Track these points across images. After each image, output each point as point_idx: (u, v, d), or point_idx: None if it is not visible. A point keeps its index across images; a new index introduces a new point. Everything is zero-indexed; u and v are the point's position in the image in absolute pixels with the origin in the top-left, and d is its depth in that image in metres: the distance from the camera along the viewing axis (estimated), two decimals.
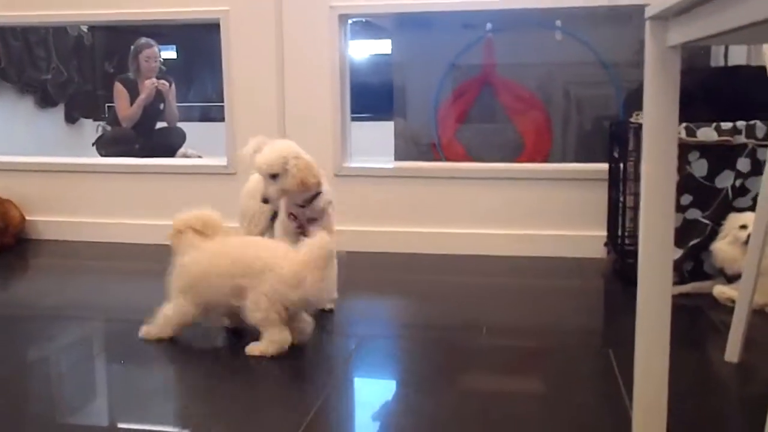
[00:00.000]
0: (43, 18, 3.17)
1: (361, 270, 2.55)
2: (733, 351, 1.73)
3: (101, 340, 2.03)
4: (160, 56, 4.73)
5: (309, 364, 1.81)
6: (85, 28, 5.70)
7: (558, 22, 3.31)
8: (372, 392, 1.69)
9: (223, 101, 3.01)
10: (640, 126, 2.40)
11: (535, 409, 1.52)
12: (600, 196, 2.71)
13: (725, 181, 2.22)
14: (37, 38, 5.30)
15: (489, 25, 3.38)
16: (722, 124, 2.21)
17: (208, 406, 1.57)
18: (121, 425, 1.48)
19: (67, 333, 2.05)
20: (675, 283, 2.23)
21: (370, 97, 4.31)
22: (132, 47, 4.76)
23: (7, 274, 2.75)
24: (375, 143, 3.34)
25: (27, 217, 3.10)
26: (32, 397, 1.63)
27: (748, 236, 2.05)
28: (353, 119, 3.01)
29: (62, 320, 2.14)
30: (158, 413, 1.55)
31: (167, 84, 4.68)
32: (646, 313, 1.27)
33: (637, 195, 2.44)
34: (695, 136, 2.22)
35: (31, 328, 2.10)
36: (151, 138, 4.67)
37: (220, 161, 3.06)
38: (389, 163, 3.07)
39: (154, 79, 4.60)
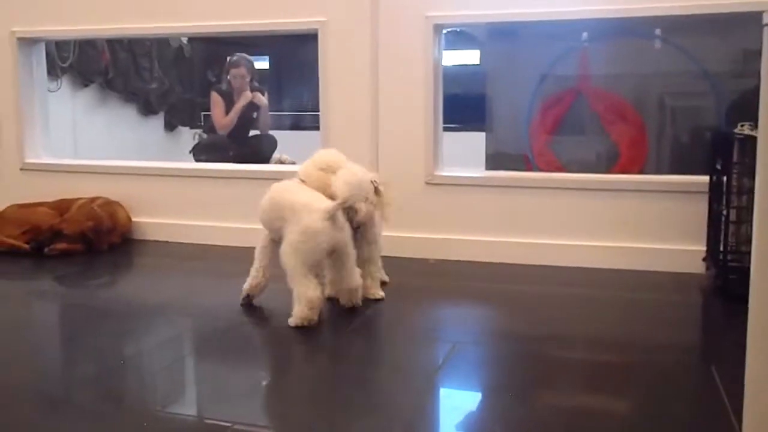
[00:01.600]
0: (146, 30, 3.35)
1: (450, 278, 2.56)
2: None
3: (197, 337, 2.12)
4: (248, 74, 4.89)
5: (402, 369, 1.83)
6: (185, 40, 5.97)
7: (657, 31, 3.23)
8: (464, 399, 1.69)
9: (315, 110, 3.07)
10: (745, 137, 2.31)
11: (630, 426, 1.49)
12: (698, 210, 2.62)
13: None
14: (142, 50, 5.59)
15: (585, 35, 3.33)
16: None
17: (298, 407, 1.61)
18: (214, 421, 1.54)
19: (166, 329, 2.15)
20: None
21: (462, 108, 4.32)
22: (227, 60, 4.98)
23: (113, 271, 2.90)
24: (466, 154, 3.36)
25: (133, 219, 3.27)
26: (128, 390, 1.71)
27: None
28: (444, 129, 3.02)
29: (162, 316, 2.24)
30: (248, 412, 1.60)
31: (262, 97, 4.87)
32: (759, 329, 1.23)
33: (739, 208, 2.35)
34: None
35: (132, 322, 2.21)
36: (244, 145, 4.84)
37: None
38: (480, 172, 3.06)
39: (249, 93, 4.78)
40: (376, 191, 2.21)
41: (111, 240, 3.11)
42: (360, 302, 2.19)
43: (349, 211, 2.14)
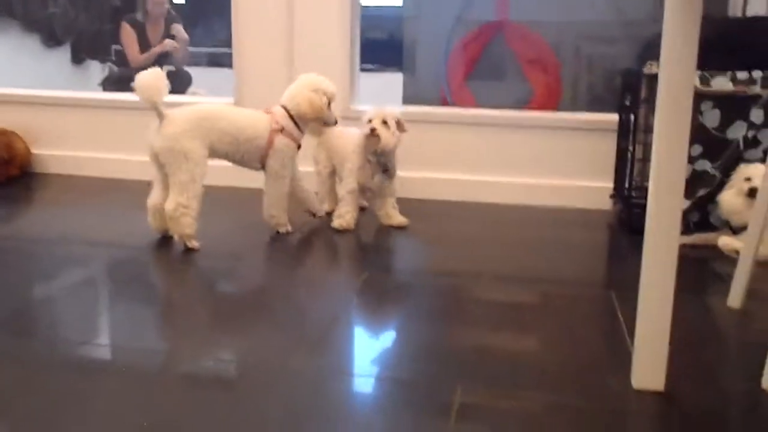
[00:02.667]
0: None
1: (366, 213, 2.54)
2: (735, 297, 1.73)
3: (104, 268, 2.04)
4: (167, 1, 4.67)
5: (319, 290, 1.82)
6: None
7: None
8: (375, 319, 1.69)
9: (230, 47, 2.97)
10: (653, 75, 2.36)
11: (534, 346, 1.52)
12: (608, 147, 2.68)
13: (737, 132, 2.19)
14: None
15: None
16: (738, 73, 2.17)
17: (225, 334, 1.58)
18: (125, 346, 1.49)
19: (69, 262, 2.06)
20: (681, 234, 2.23)
21: (379, 49, 4.26)
22: None
23: (11, 206, 2.75)
24: (383, 95, 3.31)
25: (33, 151, 3.09)
26: (39, 325, 1.64)
27: (750, 189, 2.05)
28: (362, 70, 2.97)
29: (64, 250, 2.15)
30: (160, 336, 1.56)
31: (182, 31, 4.66)
32: (652, 259, 1.27)
33: (646, 145, 2.41)
34: (709, 86, 2.18)
35: (34, 257, 2.11)
36: None
37: (228, 100, 3.03)
38: (395, 107, 3.03)
39: (168, 42, 4.57)
40: (399, 125, 2.33)
41: (8, 172, 2.94)
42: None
43: (371, 138, 2.26)
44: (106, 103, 3.17)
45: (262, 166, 2.26)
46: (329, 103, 2.29)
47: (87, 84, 5.52)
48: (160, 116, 2.09)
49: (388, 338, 1.58)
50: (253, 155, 2.23)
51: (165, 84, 2.07)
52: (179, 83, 4.72)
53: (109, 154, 3.09)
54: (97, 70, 5.60)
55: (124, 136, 3.08)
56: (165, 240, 2.18)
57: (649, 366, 1.29)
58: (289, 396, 1.27)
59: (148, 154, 2.14)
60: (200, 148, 2.11)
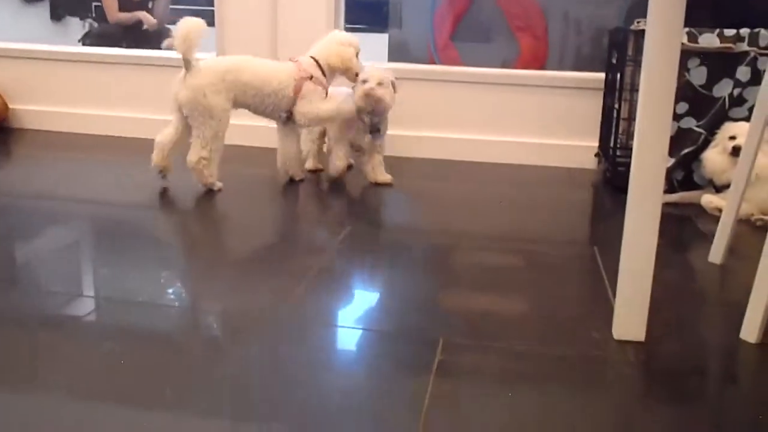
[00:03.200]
0: None
1: (353, 171, 2.52)
2: (716, 254, 1.74)
3: (83, 223, 2.02)
4: None
5: (304, 245, 1.81)
6: None
7: None
8: (358, 273, 1.69)
9: (213, 5, 2.91)
10: (640, 32, 2.34)
11: (518, 301, 1.53)
12: (595, 106, 2.67)
13: (723, 89, 2.19)
14: None
15: None
16: (725, 30, 2.16)
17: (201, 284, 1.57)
18: (108, 298, 1.47)
19: (48, 218, 2.03)
20: (664, 192, 2.24)
21: (365, 8, 4.18)
22: None
23: None
24: (368, 55, 3.26)
25: (10, 106, 3.03)
26: (22, 276, 1.62)
27: (734, 147, 2.05)
28: (347, 30, 2.92)
29: (42, 205, 2.12)
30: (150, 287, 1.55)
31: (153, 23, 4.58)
32: (634, 215, 1.27)
33: (632, 104, 2.39)
34: (697, 42, 2.17)
35: (11, 212, 2.07)
36: (138, 36, 4.55)
37: (209, 55, 2.98)
38: (380, 64, 2.99)
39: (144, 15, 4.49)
40: (394, 86, 2.34)
41: None
42: None
43: (368, 98, 2.27)
44: (86, 57, 3.10)
45: (288, 117, 2.30)
46: (356, 54, 2.35)
47: (66, 41, 5.40)
48: (189, 67, 2.13)
49: (371, 291, 1.58)
50: (279, 105, 2.27)
51: (201, 36, 2.12)
52: (161, 42, 4.63)
53: (87, 109, 3.04)
54: (77, 27, 5.49)
55: (103, 92, 3.03)
56: (146, 195, 2.16)
57: (630, 318, 1.30)
58: (272, 345, 1.26)
59: (172, 102, 2.19)
60: (224, 102, 2.16)
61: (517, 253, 1.84)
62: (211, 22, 2.95)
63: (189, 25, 2.09)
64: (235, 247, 1.87)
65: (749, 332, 1.33)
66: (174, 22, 2.20)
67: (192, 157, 2.15)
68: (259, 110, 2.28)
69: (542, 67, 3.34)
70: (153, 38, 4.61)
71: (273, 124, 2.38)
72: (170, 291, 1.53)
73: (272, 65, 2.30)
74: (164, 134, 2.23)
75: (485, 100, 2.78)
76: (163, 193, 2.23)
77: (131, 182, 2.35)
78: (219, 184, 2.22)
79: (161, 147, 2.23)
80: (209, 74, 2.14)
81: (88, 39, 4.62)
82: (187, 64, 2.13)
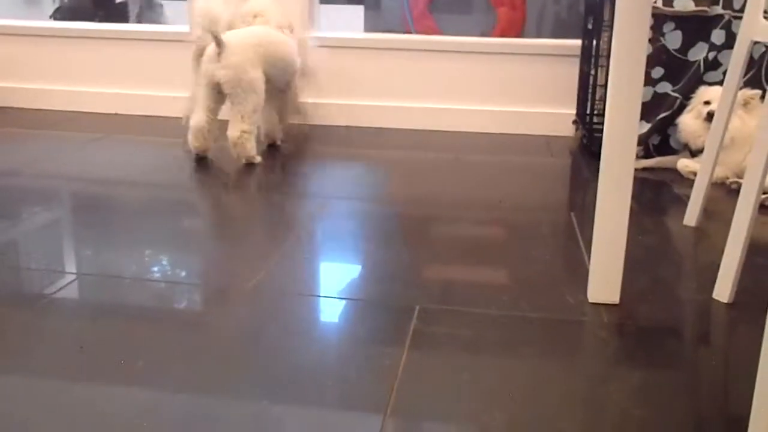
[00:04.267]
0: None
1: (328, 142, 2.51)
2: (691, 217, 1.75)
3: (61, 200, 1.99)
4: None
5: (283, 217, 1.80)
6: None
7: None
8: (332, 246, 1.68)
9: None
10: None
11: (493, 267, 1.53)
12: (571, 73, 2.67)
13: (698, 53, 2.19)
14: None
15: None
16: None
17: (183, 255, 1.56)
18: (88, 273, 1.46)
19: (26, 195, 2.00)
20: (641, 157, 2.25)
21: None
22: None
23: None
24: (344, 26, 3.24)
25: None
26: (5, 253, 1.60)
27: (708, 113, 2.05)
28: (321, 2, 2.89)
29: (21, 182, 2.09)
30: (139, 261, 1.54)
31: None
32: (608, 179, 1.28)
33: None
34: (672, 6, 2.16)
35: None
36: (110, 10, 4.48)
37: (182, 28, 2.93)
38: (358, 33, 2.97)
39: None
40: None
41: None
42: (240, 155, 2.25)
43: None
44: (58, 32, 3.04)
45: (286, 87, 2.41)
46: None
47: (37, 17, 5.31)
48: (220, 45, 2.13)
49: (347, 261, 1.58)
50: (289, 77, 2.39)
51: (223, 12, 2.13)
52: (129, 15, 4.57)
53: (61, 85, 2.99)
54: (47, 3, 5.39)
55: (77, 67, 2.98)
56: (120, 170, 2.13)
57: (604, 280, 1.31)
58: (248, 315, 1.26)
59: (205, 81, 2.17)
60: (261, 75, 2.21)
61: (494, 220, 1.84)
62: None
63: (210, 2, 2.08)
64: (210, 218, 1.86)
65: (722, 292, 1.35)
66: None
67: (233, 132, 2.17)
68: (272, 81, 2.31)
69: (519, 35, 3.32)
70: (123, 12, 4.54)
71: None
72: (145, 264, 1.52)
73: (285, 39, 2.36)
74: (199, 118, 2.20)
75: (462, 69, 2.77)
76: (162, 167, 2.21)
77: (99, 158, 2.32)
78: (258, 158, 2.24)
79: (200, 130, 2.21)
80: (246, 49, 2.16)
81: (59, 14, 4.54)
82: (218, 41, 2.12)
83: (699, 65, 2.19)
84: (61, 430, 0.94)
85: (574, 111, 2.69)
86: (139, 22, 4.44)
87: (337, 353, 1.16)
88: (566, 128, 2.71)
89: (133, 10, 4.55)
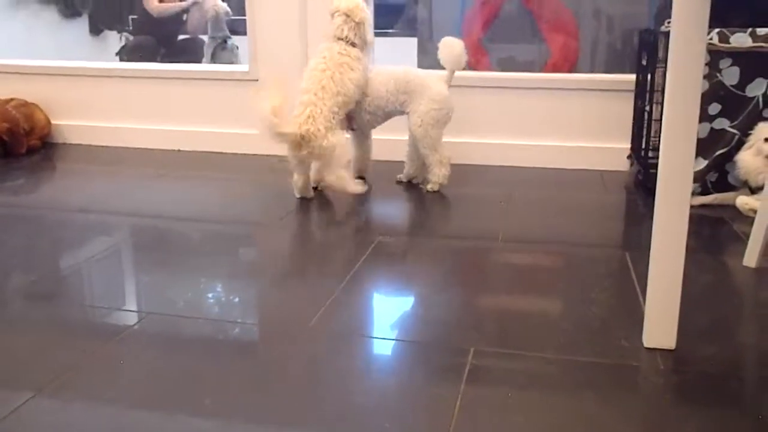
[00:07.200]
0: None
1: (382, 178, 2.55)
2: (751, 257, 1.72)
3: (125, 236, 2.08)
4: None
5: (333, 256, 1.84)
6: None
7: None
8: (390, 281, 1.71)
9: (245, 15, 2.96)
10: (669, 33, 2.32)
11: (548, 307, 1.54)
12: (626, 108, 2.66)
13: (756, 89, 2.16)
14: None
15: None
16: (758, 30, 2.13)
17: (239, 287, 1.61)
18: (148, 311, 1.52)
19: (91, 230, 2.09)
20: (698, 194, 2.22)
21: (393, 12, 4.19)
22: None
23: (33, 176, 2.79)
24: (397, 59, 3.27)
25: (53, 121, 3.13)
26: (65, 291, 1.68)
27: None
28: (376, 35, 2.94)
29: (86, 218, 2.19)
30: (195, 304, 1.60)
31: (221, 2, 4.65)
32: (663, 217, 1.27)
33: (663, 105, 2.38)
34: (728, 42, 2.14)
35: (56, 225, 2.15)
36: (173, 48, 4.65)
37: (242, 68, 3.04)
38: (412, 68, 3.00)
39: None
40: None
41: (29, 143, 2.98)
42: None
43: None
44: (124, 73, 3.18)
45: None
46: None
47: (104, 55, 5.53)
48: (448, 82, 2.42)
49: (402, 300, 1.60)
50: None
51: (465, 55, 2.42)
52: (195, 51, 4.72)
53: (128, 123, 3.12)
54: (114, 41, 5.61)
55: (142, 106, 3.10)
56: (183, 208, 2.20)
57: (660, 324, 1.30)
58: (306, 356, 1.30)
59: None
60: None
61: (548, 257, 1.84)
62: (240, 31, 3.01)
63: (457, 42, 2.40)
64: (266, 257, 1.91)
65: None
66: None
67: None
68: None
69: (573, 68, 3.32)
70: (188, 49, 4.70)
71: None
72: (204, 303, 1.58)
73: None
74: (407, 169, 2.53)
75: (515, 104, 2.78)
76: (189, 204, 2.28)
77: (165, 194, 2.41)
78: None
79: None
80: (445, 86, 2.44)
81: (124, 52, 4.73)
82: (449, 80, 2.42)
83: (757, 101, 2.16)
84: None
85: (628, 146, 2.67)
86: (213, 61, 4.58)
87: (393, 393, 1.18)
88: (621, 163, 2.69)
89: (208, 50, 4.69)
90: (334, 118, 2.21)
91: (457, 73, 2.45)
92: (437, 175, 2.40)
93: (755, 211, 1.79)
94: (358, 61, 2.30)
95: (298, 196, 2.30)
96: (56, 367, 1.24)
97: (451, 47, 2.39)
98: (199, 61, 4.63)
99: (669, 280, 1.28)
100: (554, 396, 1.16)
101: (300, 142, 2.15)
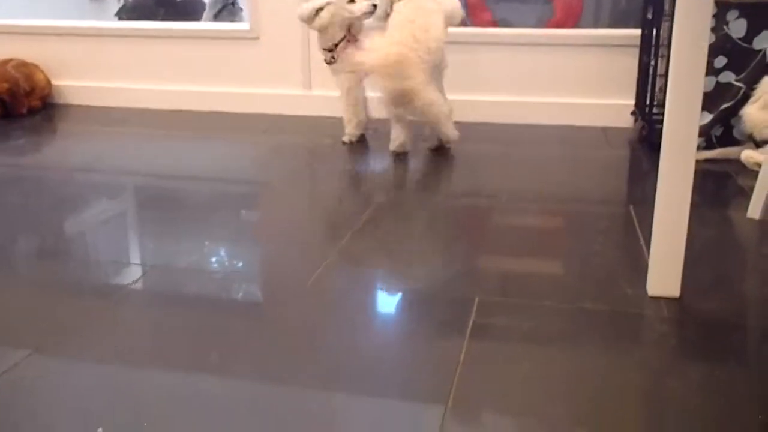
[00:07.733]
0: None
1: (383, 136, 2.54)
2: (755, 209, 1.72)
3: (128, 195, 2.08)
4: None
5: (335, 213, 1.85)
6: None
7: None
8: (394, 236, 1.72)
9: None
10: None
11: (553, 260, 1.54)
12: (630, 64, 2.63)
13: (764, 42, 2.13)
14: None
15: None
16: None
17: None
18: (150, 265, 1.53)
19: (94, 190, 2.10)
20: (702, 149, 2.21)
21: None
22: None
23: (34, 136, 2.78)
24: None
25: (53, 82, 3.11)
26: (66, 249, 1.69)
27: None
28: None
29: (88, 178, 2.19)
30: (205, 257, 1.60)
31: None
32: (668, 170, 1.27)
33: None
34: None
35: (58, 185, 2.15)
36: (173, 7, 4.60)
37: (243, 26, 3.01)
38: None
39: None
40: None
41: (30, 104, 2.96)
42: None
43: None
44: (124, 32, 3.15)
45: None
46: None
47: (103, 16, 5.47)
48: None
49: (405, 253, 1.61)
50: None
51: None
52: (195, 11, 4.66)
53: (128, 83, 3.09)
54: (112, 2, 5.55)
55: (142, 66, 3.08)
56: (185, 167, 2.20)
57: (664, 273, 1.31)
58: (308, 308, 1.31)
59: None
60: None
61: (552, 213, 1.84)
62: None
63: None
64: (270, 215, 1.92)
65: None
66: None
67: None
68: None
69: (577, 25, 3.28)
70: (188, 9, 4.65)
71: None
72: (207, 261, 1.58)
73: None
74: None
75: (519, 61, 2.76)
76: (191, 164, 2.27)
77: (166, 154, 2.41)
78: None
79: None
80: None
81: (123, 13, 4.68)
82: None
83: (764, 54, 2.13)
84: (133, 414, 1.00)
85: (632, 102, 2.65)
86: (216, 21, 4.53)
87: (397, 345, 1.19)
88: (625, 119, 2.67)
89: (210, 11, 4.62)
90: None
91: (460, 30, 2.42)
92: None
93: (760, 165, 1.78)
94: None
95: (397, 150, 2.35)
96: (56, 324, 1.25)
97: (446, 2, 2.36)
98: (198, 20, 4.57)
99: (674, 230, 1.28)
100: (559, 344, 1.17)
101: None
